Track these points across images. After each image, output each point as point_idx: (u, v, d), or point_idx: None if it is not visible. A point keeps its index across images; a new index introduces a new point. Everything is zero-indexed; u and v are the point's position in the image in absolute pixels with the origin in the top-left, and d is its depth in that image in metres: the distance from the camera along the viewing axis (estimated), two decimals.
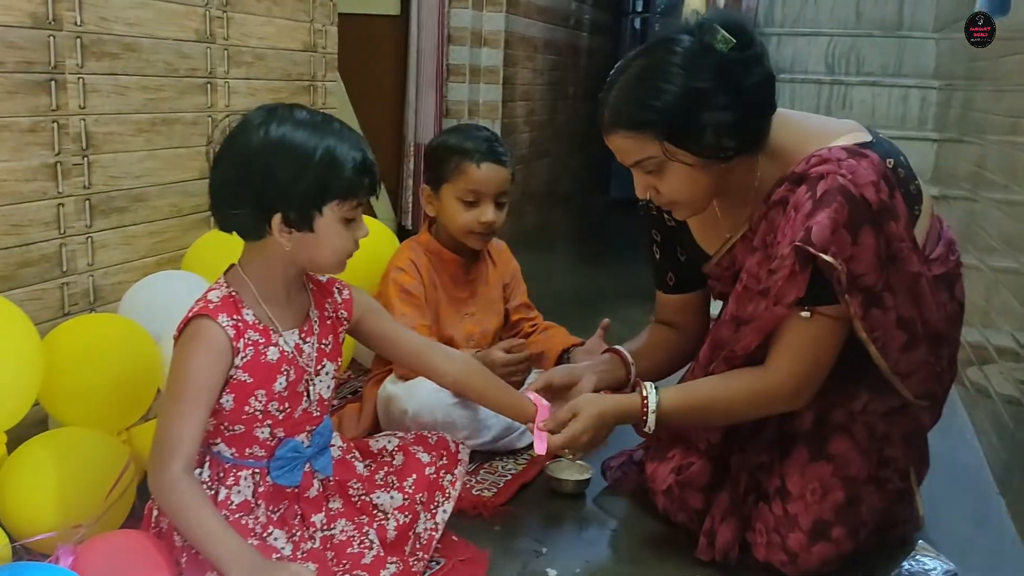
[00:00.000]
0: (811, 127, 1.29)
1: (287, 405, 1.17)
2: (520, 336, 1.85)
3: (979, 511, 1.56)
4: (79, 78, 1.59)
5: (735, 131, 1.20)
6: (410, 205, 3.42)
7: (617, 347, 1.53)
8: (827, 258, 1.12)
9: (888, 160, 1.22)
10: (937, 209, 1.34)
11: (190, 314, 1.13)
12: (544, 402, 1.36)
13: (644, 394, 1.28)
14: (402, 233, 3.33)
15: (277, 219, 1.10)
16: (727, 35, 1.17)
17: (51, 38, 1.52)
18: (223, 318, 1.11)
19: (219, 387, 1.12)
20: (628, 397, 1.32)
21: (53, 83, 1.54)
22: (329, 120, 1.14)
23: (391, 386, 1.64)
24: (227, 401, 1.14)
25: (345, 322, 1.26)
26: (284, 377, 1.16)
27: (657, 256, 1.50)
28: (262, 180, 1.09)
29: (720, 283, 1.42)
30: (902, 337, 1.20)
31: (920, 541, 1.39)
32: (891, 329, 1.18)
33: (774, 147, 1.26)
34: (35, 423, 1.44)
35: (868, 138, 1.25)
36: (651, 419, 1.28)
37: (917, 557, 1.35)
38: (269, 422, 1.17)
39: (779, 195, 1.22)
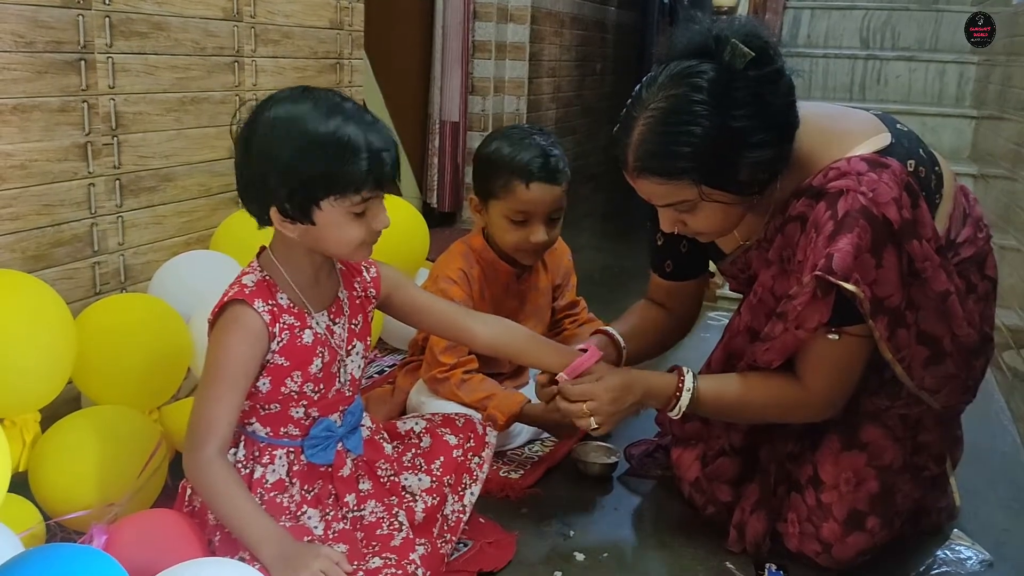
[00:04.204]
0: (827, 129, 1.22)
1: (322, 386, 1.18)
2: (559, 336, 1.81)
3: (1015, 500, 1.53)
4: (108, 58, 1.59)
5: (771, 163, 1.15)
6: (435, 183, 3.41)
7: (608, 328, 1.47)
8: (849, 287, 1.09)
9: (909, 162, 1.17)
10: (975, 189, 1.30)
11: (225, 299, 1.12)
12: (596, 350, 1.31)
13: (682, 377, 1.26)
14: (427, 212, 3.32)
15: (274, 211, 1.08)
16: (746, 49, 1.10)
17: (80, 17, 1.52)
18: (259, 303, 1.11)
19: (255, 372, 1.12)
20: (660, 375, 1.29)
21: (83, 63, 1.54)
22: (338, 108, 1.07)
23: (425, 398, 1.62)
24: (263, 384, 1.14)
25: (373, 300, 1.26)
26: (319, 359, 1.16)
27: (659, 243, 1.46)
28: (258, 174, 1.07)
29: (735, 281, 1.41)
30: (924, 352, 1.18)
31: (955, 530, 1.38)
32: (913, 346, 1.17)
33: (792, 155, 1.20)
34: (68, 401, 1.46)
35: (888, 139, 1.19)
36: (684, 399, 1.24)
37: (952, 546, 1.34)
38: (304, 402, 1.17)
39: (797, 210, 1.18)
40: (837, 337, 1.16)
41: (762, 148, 1.13)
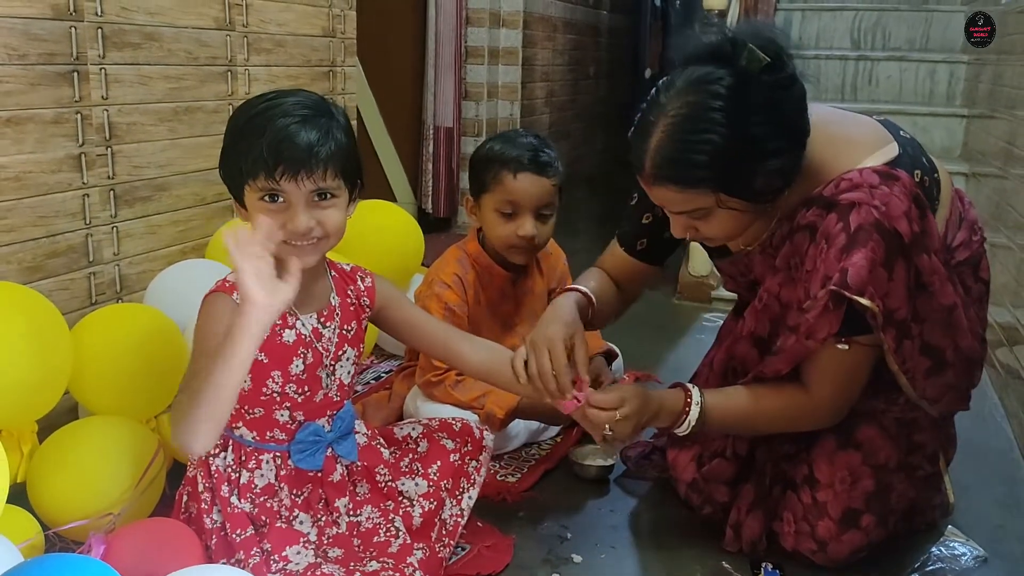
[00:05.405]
0: (835, 136, 1.21)
1: (306, 388, 1.18)
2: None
3: (1009, 496, 1.54)
4: (101, 69, 1.60)
5: (786, 170, 1.15)
6: (430, 189, 3.41)
7: (584, 289, 1.37)
8: (864, 302, 1.10)
9: (916, 172, 1.18)
10: (966, 187, 1.31)
11: (208, 293, 1.15)
12: (585, 377, 1.28)
13: (688, 394, 1.24)
14: (422, 217, 3.32)
15: (235, 201, 1.15)
16: (761, 54, 1.10)
17: (72, 29, 1.53)
18: (237, 295, 1.12)
19: None
20: (669, 392, 1.27)
21: (76, 74, 1.55)
22: (278, 98, 1.10)
23: (421, 403, 1.62)
24: (245, 382, 1.14)
25: (367, 309, 1.26)
26: (301, 360, 1.17)
27: (644, 222, 1.42)
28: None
29: (733, 281, 1.41)
30: (926, 363, 1.19)
31: (949, 527, 1.39)
32: (916, 357, 1.18)
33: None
34: (65, 412, 1.46)
35: (896, 150, 1.19)
36: (693, 414, 1.23)
37: (947, 543, 1.35)
38: (288, 404, 1.17)
39: (806, 219, 1.18)
40: (847, 347, 1.16)
41: (778, 156, 1.12)
